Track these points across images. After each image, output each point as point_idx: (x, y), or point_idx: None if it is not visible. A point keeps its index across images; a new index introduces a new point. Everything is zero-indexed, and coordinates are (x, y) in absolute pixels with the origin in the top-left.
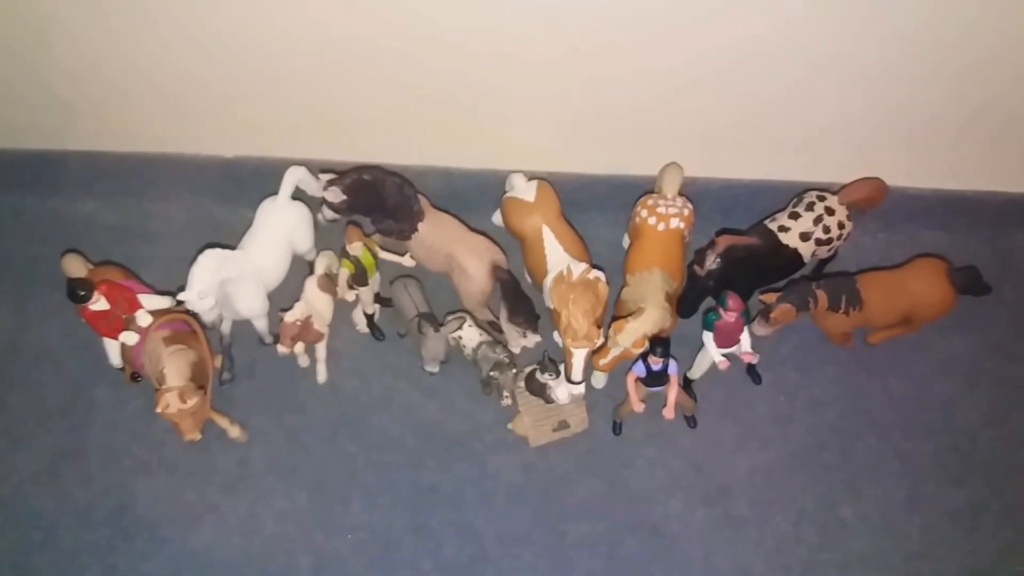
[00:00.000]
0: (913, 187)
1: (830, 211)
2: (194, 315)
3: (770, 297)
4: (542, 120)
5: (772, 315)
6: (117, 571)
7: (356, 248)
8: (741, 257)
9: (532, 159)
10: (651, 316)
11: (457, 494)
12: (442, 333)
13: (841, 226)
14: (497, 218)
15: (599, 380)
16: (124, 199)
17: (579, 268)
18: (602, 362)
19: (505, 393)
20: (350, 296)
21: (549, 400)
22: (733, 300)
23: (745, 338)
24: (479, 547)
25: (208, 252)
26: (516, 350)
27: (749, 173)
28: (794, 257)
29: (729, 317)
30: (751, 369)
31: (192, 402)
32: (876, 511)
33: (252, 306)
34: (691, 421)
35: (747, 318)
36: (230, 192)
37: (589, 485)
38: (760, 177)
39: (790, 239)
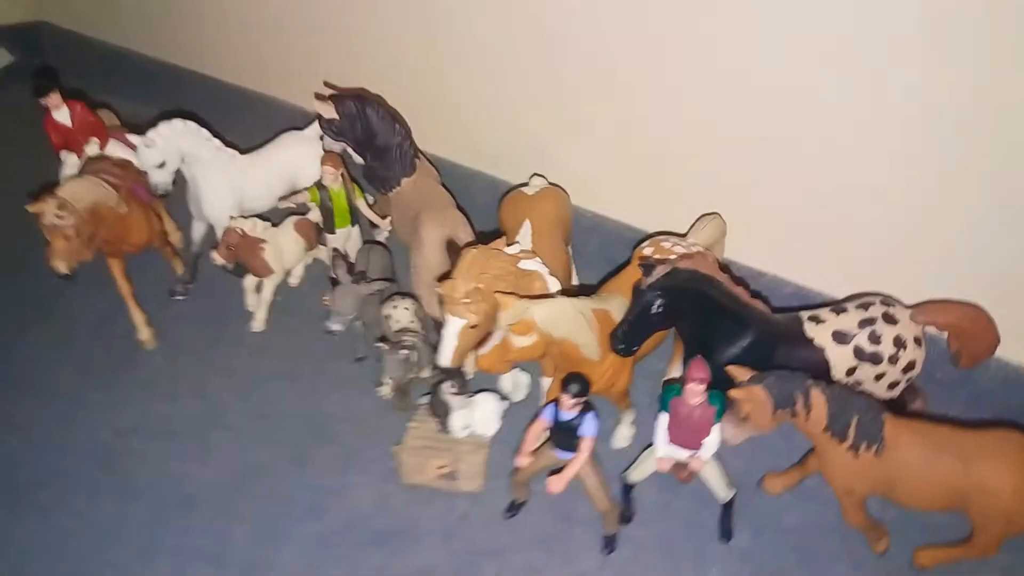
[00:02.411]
0: None
1: (890, 319)
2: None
3: (742, 373)
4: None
5: (735, 395)
6: None
7: (328, 175)
8: (709, 297)
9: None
10: (551, 304)
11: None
12: (356, 286)
13: (900, 344)
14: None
15: None
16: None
17: (520, 253)
18: (481, 352)
19: (385, 379)
20: (321, 252)
21: (444, 427)
22: (697, 367)
23: (712, 440)
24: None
25: (184, 119)
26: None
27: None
28: (815, 360)
29: (692, 396)
30: (726, 514)
31: (67, 220)
32: None
33: (214, 205)
34: (609, 542)
35: (720, 408)
36: None
37: (428, 553)
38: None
39: (818, 333)
